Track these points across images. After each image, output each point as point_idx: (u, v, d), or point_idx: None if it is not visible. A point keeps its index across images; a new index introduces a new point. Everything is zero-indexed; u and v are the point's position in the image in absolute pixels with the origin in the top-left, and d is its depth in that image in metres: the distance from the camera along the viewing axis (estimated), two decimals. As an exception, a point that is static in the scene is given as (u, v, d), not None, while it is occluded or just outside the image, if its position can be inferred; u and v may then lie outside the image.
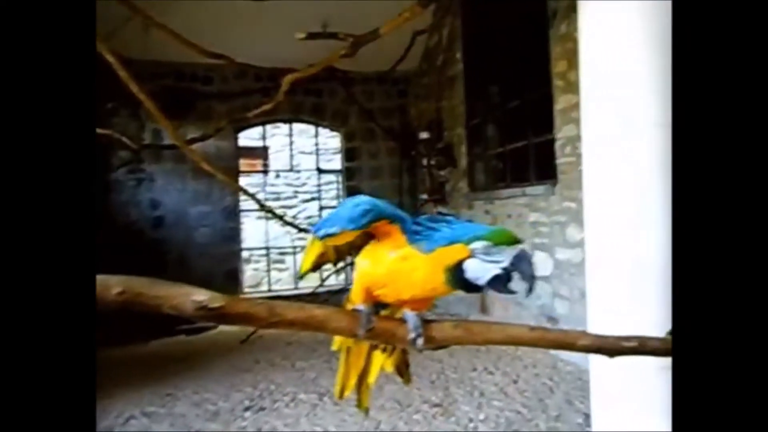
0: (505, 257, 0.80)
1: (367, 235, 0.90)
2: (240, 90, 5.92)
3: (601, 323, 2.01)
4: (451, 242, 0.82)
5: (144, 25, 3.51)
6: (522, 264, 0.80)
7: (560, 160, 3.95)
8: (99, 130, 4.91)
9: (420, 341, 0.91)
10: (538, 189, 4.21)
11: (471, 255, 0.81)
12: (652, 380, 1.86)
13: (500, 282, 0.81)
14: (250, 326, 0.83)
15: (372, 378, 1.10)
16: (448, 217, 0.88)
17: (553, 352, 3.80)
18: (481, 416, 2.90)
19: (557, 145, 3.97)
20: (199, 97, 5.87)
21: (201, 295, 0.73)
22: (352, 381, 1.08)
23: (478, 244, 0.81)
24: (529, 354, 3.89)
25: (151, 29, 3.51)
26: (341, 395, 1.08)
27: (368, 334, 0.92)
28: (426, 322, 0.93)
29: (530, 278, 0.81)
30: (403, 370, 1.12)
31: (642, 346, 1.13)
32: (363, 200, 0.86)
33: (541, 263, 4.19)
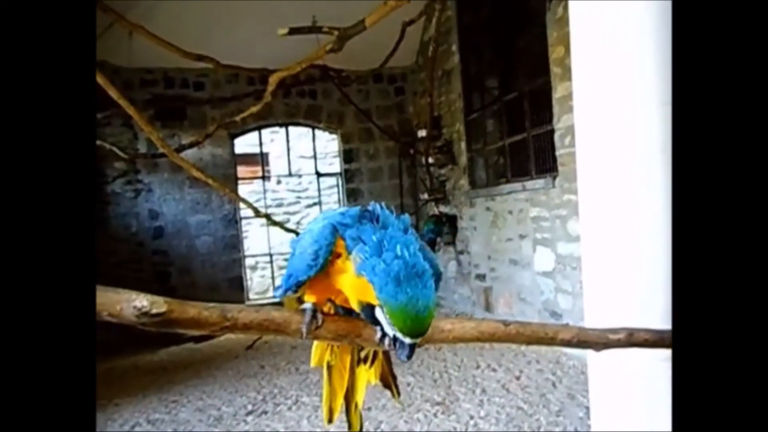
0: (392, 331, 0.76)
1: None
2: (232, 94, 5.91)
3: (599, 318, 1.95)
4: (372, 282, 0.75)
5: (129, 31, 3.51)
6: (401, 353, 0.77)
7: (560, 152, 3.88)
8: (92, 142, 4.94)
9: (387, 341, 0.87)
10: (538, 183, 4.15)
11: (379, 305, 0.76)
12: (653, 372, 1.81)
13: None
14: (202, 332, 0.80)
15: (359, 396, 1.05)
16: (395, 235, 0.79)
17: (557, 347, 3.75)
18: (482, 413, 2.86)
19: (557, 135, 3.91)
20: (191, 104, 5.86)
21: (142, 301, 0.70)
22: (339, 401, 1.03)
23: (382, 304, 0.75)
24: (533, 349, 3.84)
25: (136, 35, 3.51)
26: (330, 419, 1.03)
27: (329, 336, 0.89)
28: None
29: (401, 361, 0.80)
30: (389, 382, 1.08)
31: (630, 339, 1.09)
32: (308, 242, 0.82)
33: (543, 258, 4.14)
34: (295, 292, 0.87)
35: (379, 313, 0.76)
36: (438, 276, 0.85)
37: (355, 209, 0.85)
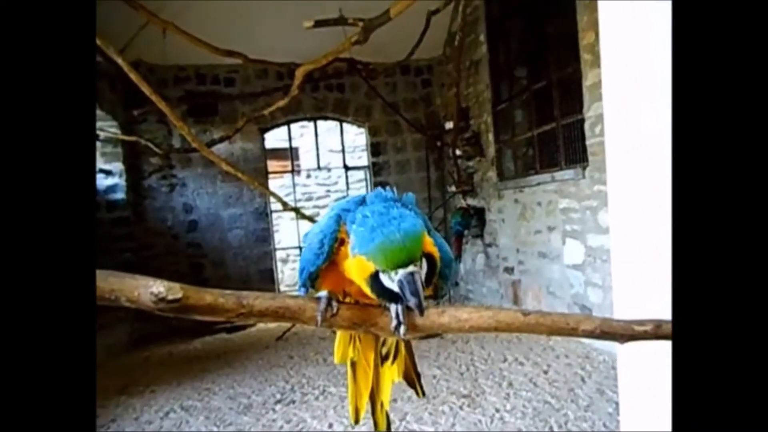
0: (394, 278, 0.75)
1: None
2: (262, 89, 5.98)
3: (629, 313, 1.89)
4: (360, 253, 0.76)
5: (162, 30, 3.61)
6: (404, 290, 0.75)
7: (590, 141, 3.77)
8: (127, 137, 5.12)
9: (402, 329, 0.87)
10: (568, 173, 4.05)
11: (377, 270, 0.76)
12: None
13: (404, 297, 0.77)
14: (218, 318, 0.82)
15: (385, 396, 1.05)
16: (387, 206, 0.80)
17: (586, 341, 3.67)
18: (508, 407, 2.83)
19: (587, 124, 3.80)
20: (223, 99, 5.98)
21: (159, 287, 0.72)
22: (364, 400, 1.04)
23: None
24: (562, 344, 3.77)
25: (169, 34, 3.61)
26: (357, 419, 1.04)
27: (345, 324, 0.89)
28: (410, 310, 0.89)
29: (415, 306, 0.76)
30: (413, 379, 1.08)
31: (657, 331, 1.05)
32: (315, 231, 0.85)
33: (573, 251, 4.05)
34: (312, 287, 0.88)
35: (381, 277, 0.76)
36: (447, 262, 0.85)
37: (360, 195, 0.86)
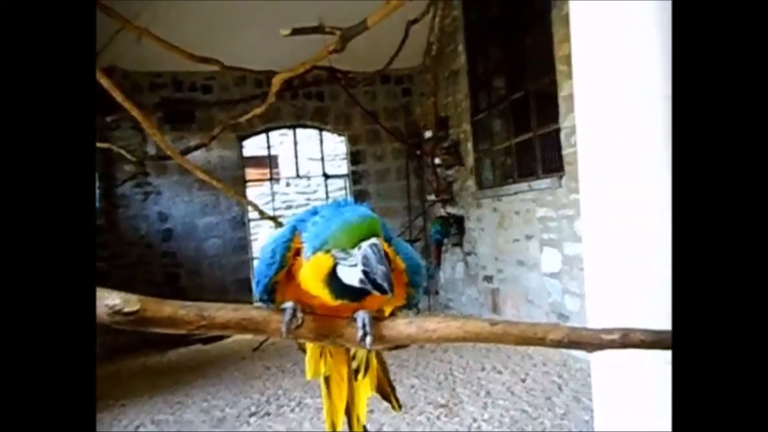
0: (356, 259, 0.75)
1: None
2: (240, 97, 5.93)
3: (603, 321, 1.91)
4: (315, 251, 0.77)
5: (137, 35, 3.55)
6: (370, 265, 0.74)
7: (566, 151, 3.84)
8: (100, 144, 5.01)
9: (368, 340, 0.86)
10: (545, 182, 4.11)
11: (335, 262, 0.76)
12: (657, 375, 1.76)
13: (370, 282, 0.75)
14: (178, 331, 0.79)
15: (361, 410, 1.04)
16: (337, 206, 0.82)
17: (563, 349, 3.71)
18: (486, 416, 2.83)
19: (563, 134, 3.87)
20: (200, 107, 5.90)
21: (115, 299, 0.70)
22: (340, 416, 1.03)
23: (333, 251, 0.75)
24: (540, 352, 3.80)
25: (144, 39, 3.55)
26: None
27: (310, 335, 0.88)
28: (377, 320, 0.88)
29: (383, 276, 0.74)
30: (387, 392, 1.07)
31: (625, 340, 1.05)
32: (269, 242, 0.85)
33: (550, 259, 4.09)
34: (272, 301, 0.86)
35: (340, 270, 0.76)
36: (415, 268, 0.85)
37: (315, 207, 0.87)
